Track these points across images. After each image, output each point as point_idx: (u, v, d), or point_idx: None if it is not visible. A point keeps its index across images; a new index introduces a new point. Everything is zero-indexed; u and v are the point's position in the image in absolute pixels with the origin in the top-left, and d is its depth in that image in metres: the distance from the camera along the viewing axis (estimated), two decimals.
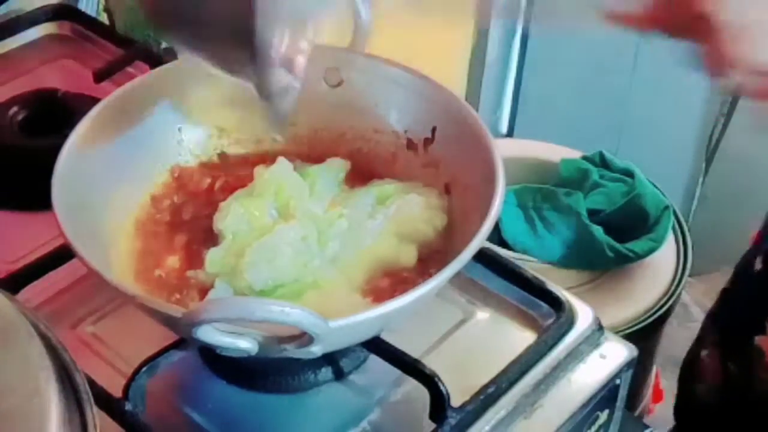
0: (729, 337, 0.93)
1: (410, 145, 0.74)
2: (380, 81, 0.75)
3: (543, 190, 1.41)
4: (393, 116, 0.75)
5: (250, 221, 0.68)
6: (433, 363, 0.67)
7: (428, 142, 0.74)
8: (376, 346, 0.67)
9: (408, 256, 0.68)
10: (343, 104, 0.76)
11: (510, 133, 1.98)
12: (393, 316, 0.61)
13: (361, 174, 0.74)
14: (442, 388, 0.65)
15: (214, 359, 0.69)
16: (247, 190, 0.71)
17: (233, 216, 0.68)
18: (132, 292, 0.60)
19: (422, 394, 0.66)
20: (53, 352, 0.51)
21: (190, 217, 0.72)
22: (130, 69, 0.93)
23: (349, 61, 0.76)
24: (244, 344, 0.56)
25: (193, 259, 0.69)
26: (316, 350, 0.56)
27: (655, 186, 1.42)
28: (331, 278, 0.66)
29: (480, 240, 0.61)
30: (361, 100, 0.76)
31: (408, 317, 0.64)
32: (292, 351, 0.57)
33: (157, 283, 0.68)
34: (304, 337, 0.55)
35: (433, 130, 0.73)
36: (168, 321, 0.59)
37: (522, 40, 1.87)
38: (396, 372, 0.68)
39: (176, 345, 0.66)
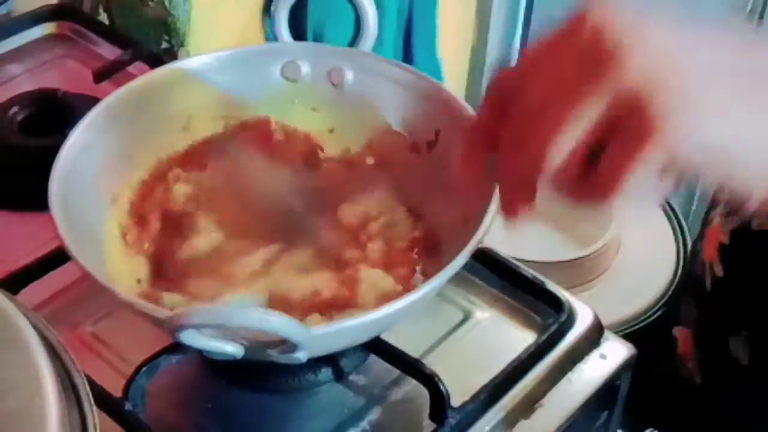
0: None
1: (413, 147, 0.74)
2: (384, 81, 0.75)
3: None
4: (396, 117, 0.75)
5: None
6: (433, 363, 0.67)
7: (431, 144, 0.73)
8: (376, 346, 0.67)
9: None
10: (347, 103, 0.76)
11: None
12: (383, 322, 0.61)
13: None
14: (442, 388, 0.65)
15: (214, 360, 0.69)
16: None
17: None
18: (119, 293, 0.59)
19: (422, 394, 0.66)
20: (53, 352, 0.51)
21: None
22: (130, 69, 0.92)
23: (353, 61, 0.76)
24: (230, 348, 0.56)
25: None
26: (301, 356, 0.56)
27: None
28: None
29: (474, 244, 0.61)
30: (364, 99, 0.75)
31: (404, 320, 0.64)
32: (277, 356, 0.57)
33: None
34: (287, 343, 0.55)
35: (437, 132, 0.73)
36: (156, 323, 0.59)
37: (522, 41, 1.88)
38: (396, 372, 0.68)
39: (176, 345, 0.66)
